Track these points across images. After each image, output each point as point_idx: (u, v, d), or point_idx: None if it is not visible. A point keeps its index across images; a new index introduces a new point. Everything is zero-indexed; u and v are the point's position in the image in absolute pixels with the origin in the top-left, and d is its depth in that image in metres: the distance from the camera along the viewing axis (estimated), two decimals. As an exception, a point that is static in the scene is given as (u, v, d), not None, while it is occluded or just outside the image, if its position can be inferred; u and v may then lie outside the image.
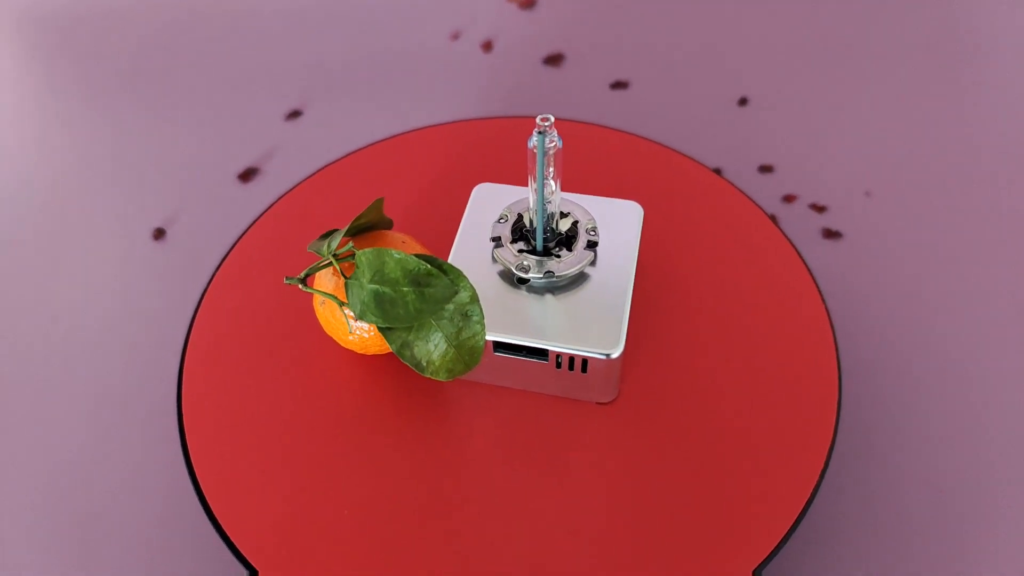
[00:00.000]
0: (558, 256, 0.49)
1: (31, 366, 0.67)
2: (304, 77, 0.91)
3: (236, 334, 0.55)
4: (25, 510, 0.58)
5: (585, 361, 0.47)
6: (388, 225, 0.53)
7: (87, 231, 0.77)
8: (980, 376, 0.63)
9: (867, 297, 0.68)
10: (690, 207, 0.62)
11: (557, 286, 0.49)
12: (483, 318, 0.44)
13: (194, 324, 0.56)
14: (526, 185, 0.60)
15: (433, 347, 0.43)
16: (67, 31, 0.99)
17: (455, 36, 0.95)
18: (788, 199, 0.76)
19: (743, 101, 0.86)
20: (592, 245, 0.50)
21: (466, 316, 0.43)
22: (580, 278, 0.50)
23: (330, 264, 0.46)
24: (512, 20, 0.97)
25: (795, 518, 0.46)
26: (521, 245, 0.50)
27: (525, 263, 0.48)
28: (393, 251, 0.43)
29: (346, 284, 0.45)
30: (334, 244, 0.46)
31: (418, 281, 0.43)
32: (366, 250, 0.44)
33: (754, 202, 0.63)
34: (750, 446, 0.49)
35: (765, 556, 0.45)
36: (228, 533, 0.46)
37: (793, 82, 0.88)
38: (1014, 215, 0.74)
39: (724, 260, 0.59)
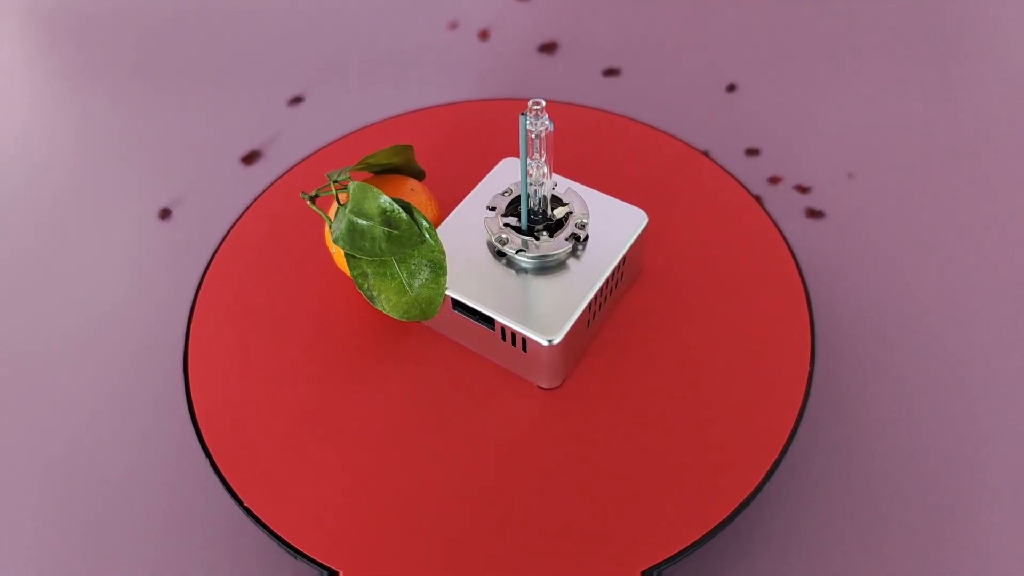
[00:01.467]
0: (537, 238, 0.51)
1: (39, 343, 0.70)
2: (306, 64, 0.94)
3: (240, 303, 0.58)
4: (32, 486, 0.61)
5: (525, 340, 0.48)
6: (417, 174, 0.56)
7: (95, 210, 0.80)
8: (960, 353, 0.66)
9: (848, 274, 0.71)
10: (677, 187, 0.65)
11: (532, 267, 0.51)
12: (445, 276, 0.47)
13: (199, 294, 0.59)
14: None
15: (391, 287, 0.47)
16: (78, 18, 1.02)
17: (453, 26, 0.98)
18: (773, 181, 0.79)
19: (731, 87, 0.88)
20: (574, 238, 0.51)
21: (430, 269, 0.47)
22: (558, 266, 0.51)
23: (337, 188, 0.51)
24: (509, 9, 0.99)
25: (752, 489, 0.48)
26: (511, 220, 0.52)
27: (504, 236, 0.51)
28: (376, 190, 0.46)
29: (337, 209, 0.49)
30: (342, 174, 0.50)
31: (389, 222, 0.46)
32: (357, 183, 0.47)
33: (739, 182, 0.66)
34: (716, 420, 0.51)
35: (700, 536, 0.46)
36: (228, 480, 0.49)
37: (780, 69, 0.90)
38: (993, 196, 0.77)
39: (707, 238, 0.61)
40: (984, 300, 0.69)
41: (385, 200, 0.46)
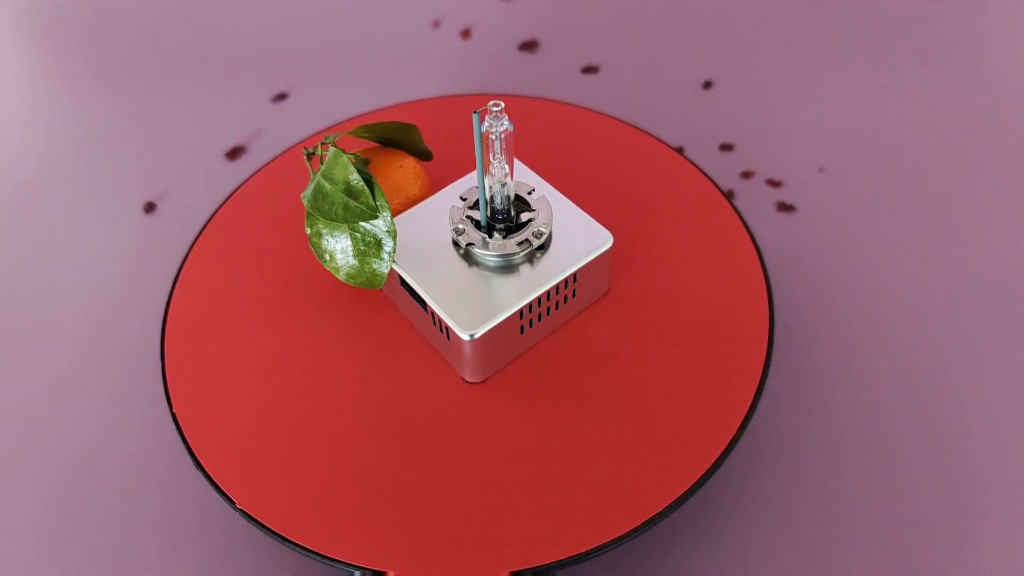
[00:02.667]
0: (490, 237, 0.52)
1: (18, 333, 0.71)
2: (290, 61, 0.95)
3: (217, 293, 0.60)
4: (13, 478, 0.63)
5: (448, 330, 0.49)
6: (423, 155, 0.59)
7: (81, 204, 0.81)
8: (931, 346, 0.67)
9: (817, 267, 0.73)
10: (648, 184, 0.67)
11: (487, 265, 0.51)
12: (392, 253, 0.50)
13: (177, 283, 0.60)
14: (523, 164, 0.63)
15: (339, 249, 0.51)
16: (61, 14, 1.03)
17: (436, 24, 0.99)
18: (746, 175, 0.81)
19: (707, 84, 0.90)
20: (527, 243, 0.51)
21: (379, 244, 0.50)
22: (510, 268, 0.51)
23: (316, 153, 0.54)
24: (490, 8, 1.01)
25: (701, 474, 0.48)
26: (475, 214, 0.53)
27: (461, 227, 0.52)
28: (347, 160, 0.49)
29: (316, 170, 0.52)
30: (329, 139, 0.53)
31: (350, 192, 0.49)
32: (335, 150, 0.50)
33: (709, 178, 0.68)
34: (666, 407, 0.52)
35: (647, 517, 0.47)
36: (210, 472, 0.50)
37: (755, 66, 0.92)
38: (965, 191, 0.79)
39: (673, 231, 0.63)
40: (956, 294, 0.70)
41: (352, 171, 0.49)
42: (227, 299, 0.59)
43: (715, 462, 0.49)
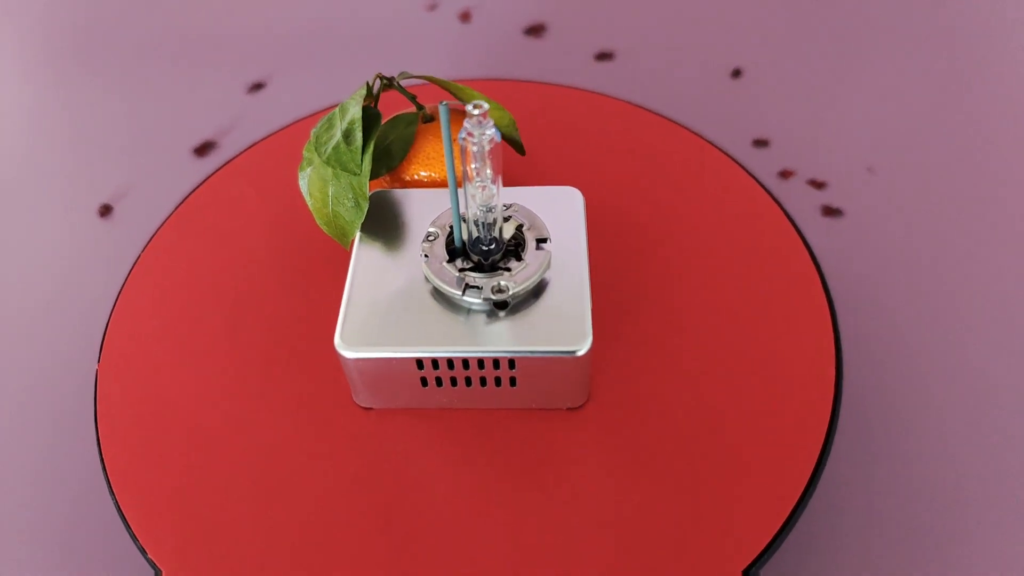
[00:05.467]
0: (451, 259, 0.41)
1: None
2: (269, 46, 0.85)
3: (159, 318, 0.50)
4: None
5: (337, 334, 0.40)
6: (512, 143, 0.49)
7: (28, 208, 0.71)
8: (990, 367, 0.58)
9: (870, 279, 0.63)
10: (681, 180, 0.57)
11: (434, 283, 0.41)
12: (361, 216, 0.44)
13: (116, 305, 0.50)
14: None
15: (319, 192, 0.45)
16: None
17: (432, 7, 0.90)
18: (785, 175, 0.71)
19: (736, 73, 0.80)
20: (475, 291, 0.40)
21: (352, 202, 0.44)
22: (454, 305, 0.41)
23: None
24: (492, -10, 0.91)
25: (786, 516, 0.41)
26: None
27: (434, 231, 0.42)
28: (359, 101, 0.44)
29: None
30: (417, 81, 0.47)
31: (347, 136, 0.44)
32: (362, 89, 0.45)
33: (751, 175, 0.58)
34: (738, 440, 0.43)
35: (755, 555, 0.39)
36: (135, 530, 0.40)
37: (790, 53, 0.82)
38: (1028, 192, 0.69)
39: (716, 238, 0.53)
40: (1021, 306, 0.61)
41: (358, 113, 0.43)
42: (168, 327, 0.49)
43: (818, 461, 0.40)
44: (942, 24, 0.85)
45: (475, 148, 0.36)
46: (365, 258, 0.43)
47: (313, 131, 0.46)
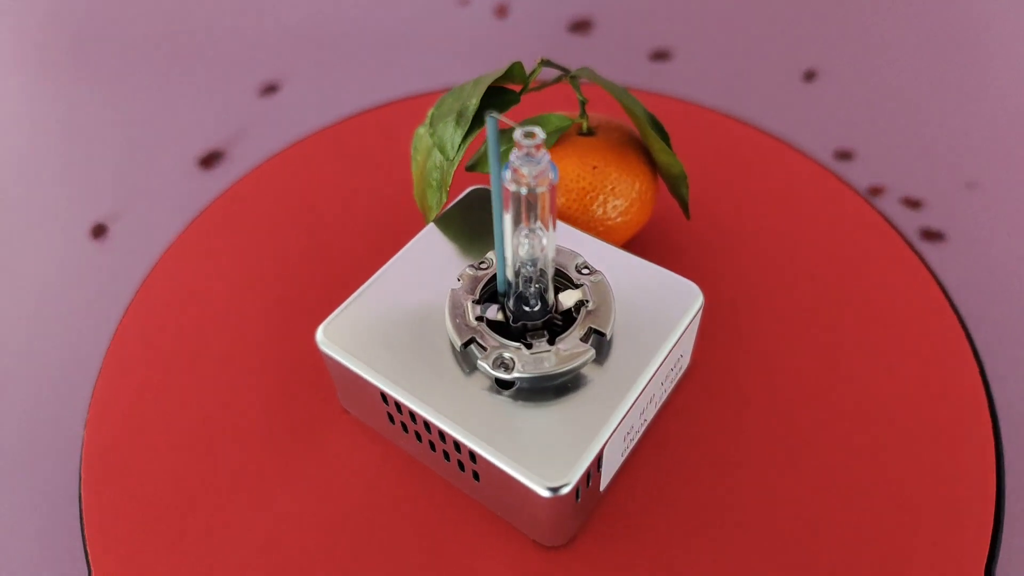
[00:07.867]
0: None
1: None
2: (284, 43, 0.77)
3: (160, 360, 0.41)
4: None
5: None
6: (678, 197, 0.41)
7: (16, 228, 0.63)
8: None
9: (984, 312, 0.54)
10: (768, 194, 0.48)
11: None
12: (437, 204, 0.39)
13: (116, 336, 0.42)
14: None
15: (423, 154, 0.40)
16: (9, -6, 0.85)
17: (465, 1, 0.81)
18: (875, 191, 0.62)
19: (809, 75, 0.71)
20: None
21: (435, 183, 0.39)
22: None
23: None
24: (529, -18, 0.83)
25: None
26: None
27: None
28: (491, 79, 0.37)
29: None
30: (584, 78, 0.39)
31: (460, 113, 0.38)
32: (503, 90, 0.39)
33: (852, 188, 0.49)
34: (870, 533, 0.34)
35: None
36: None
37: (870, 51, 0.73)
38: None
39: (817, 270, 0.44)
40: None
41: (480, 93, 0.37)
42: (171, 371, 0.40)
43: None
44: (1036, 20, 0.76)
45: (521, 189, 0.28)
46: (414, 253, 0.37)
47: (451, 91, 0.41)
